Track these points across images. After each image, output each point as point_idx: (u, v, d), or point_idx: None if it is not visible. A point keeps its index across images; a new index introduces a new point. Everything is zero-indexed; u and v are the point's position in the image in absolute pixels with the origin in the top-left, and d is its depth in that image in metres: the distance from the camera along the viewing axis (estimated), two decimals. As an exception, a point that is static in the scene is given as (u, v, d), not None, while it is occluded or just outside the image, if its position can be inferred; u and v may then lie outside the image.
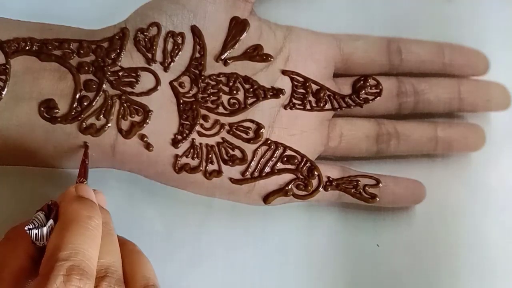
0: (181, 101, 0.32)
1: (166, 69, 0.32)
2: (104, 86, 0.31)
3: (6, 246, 0.26)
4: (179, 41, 0.32)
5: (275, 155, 0.33)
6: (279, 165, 0.33)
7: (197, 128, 0.32)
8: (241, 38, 0.33)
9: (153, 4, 0.32)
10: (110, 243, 0.26)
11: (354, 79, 0.35)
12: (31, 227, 0.24)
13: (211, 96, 0.32)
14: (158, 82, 0.32)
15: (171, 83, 0.32)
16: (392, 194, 0.34)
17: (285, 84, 0.33)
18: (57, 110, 0.30)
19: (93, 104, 0.31)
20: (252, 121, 0.33)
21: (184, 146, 0.32)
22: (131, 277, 0.26)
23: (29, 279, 0.25)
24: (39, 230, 0.24)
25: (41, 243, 0.25)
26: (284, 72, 0.33)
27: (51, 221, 0.25)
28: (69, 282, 0.22)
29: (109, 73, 0.31)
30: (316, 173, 0.33)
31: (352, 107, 0.34)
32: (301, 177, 0.33)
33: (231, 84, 0.33)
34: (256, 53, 0.33)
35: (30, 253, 0.25)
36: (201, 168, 0.32)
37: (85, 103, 0.31)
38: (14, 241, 0.26)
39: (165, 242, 0.32)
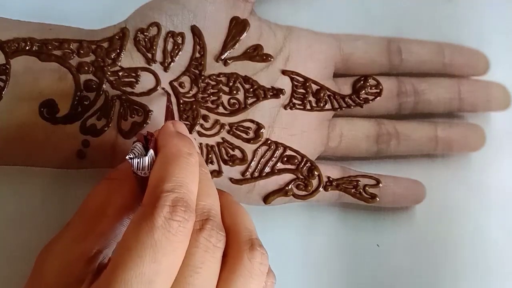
0: (181, 101, 0.32)
1: (166, 69, 0.32)
2: (104, 86, 0.31)
3: (110, 185, 0.26)
4: (179, 41, 0.32)
5: (275, 155, 0.33)
6: (279, 165, 0.33)
7: (197, 128, 0.32)
8: (241, 38, 0.33)
9: (153, 4, 0.32)
10: (209, 186, 0.26)
11: (354, 79, 0.35)
12: (131, 156, 0.24)
13: (211, 96, 0.32)
14: (158, 82, 0.32)
15: (171, 83, 0.32)
16: (392, 194, 0.34)
17: (285, 84, 0.33)
18: (57, 110, 0.30)
19: (93, 104, 0.31)
20: (252, 121, 0.33)
21: (184, 146, 0.32)
22: (232, 227, 0.25)
23: (131, 213, 0.26)
24: (141, 159, 0.24)
25: (142, 172, 0.24)
26: (284, 72, 0.33)
27: (151, 151, 0.24)
28: (175, 213, 0.22)
29: (109, 73, 0.31)
30: (316, 173, 0.33)
31: (352, 107, 0.34)
32: (301, 177, 0.33)
33: (231, 84, 0.33)
34: (256, 53, 0.33)
35: (132, 190, 0.26)
36: (201, 168, 0.32)
37: (85, 103, 0.31)
38: (117, 180, 0.26)
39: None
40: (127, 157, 0.24)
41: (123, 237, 0.22)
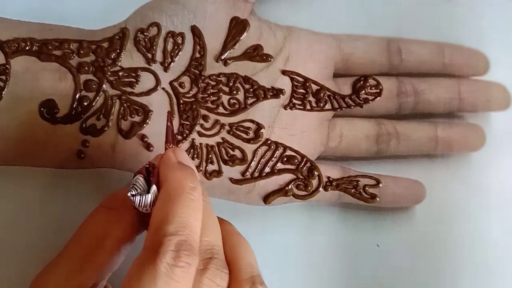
0: (181, 101, 0.32)
1: (166, 69, 0.32)
2: (104, 86, 0.31)
3: (109, 215, 0.26)
4: (179, 41, 0.32)
5: (275, 155, 0.33)
6: (279, 165, 0.33)
7: (197, 128, 0.32)
8: (241, 38, 0.33)
9: (153, 4, 0.32)
10: (211, 219, 0.25)
11: (354, 79, 0.35)
12: (134, 193, 0.24)
13: (211, 96, 0.32)
14: (158, 82, 0.32)
15: (171, 83, 0.32)
16: (392, 194, 0.34)
17: (285, 84, 0.33)
18: (57, 110, 0.30)
19: (93, 104, 0.31)
20: (252, 121, 0.33)
21: (184, 146, 0.32)
22: (233, 262, 0.25)
23: (129, 245, 0.25)
24: (143, 196, 0.24)
25: (144, 209, 0.24)
26: (284, 72, 0.33)
27: (154, 188, 0.24)
28: (178, 258, 0.22)
29: (109, 73, 0.31)
30: (316, 173, 0.33)
31: (352, 107, 0.34)
32: (301, 177, 0.33)
33: (231, 84, 0.33)
34: (256, 53, 0.33)
35: (132, 222, 0.25)
36: (201, 168, 0.32)
37: (85, 103, 0.31)
38: (116, 211, 0.26)
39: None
40: (129, 194, 0.24)
41: (126, 281, 0.22)
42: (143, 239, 0.23)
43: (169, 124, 0.29)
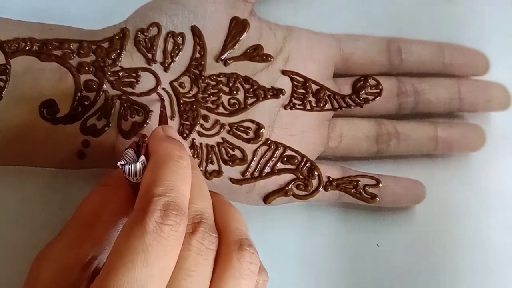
0: (181, 101, 0.32)
1: (166, 69, 0.32)
2: (104, 86, 0.31)
3: (104, 191, 0.26)
4: (179, 41, 0.32)
5: (275, 155, 0.33)
6: (279, 165, 0.33)
7: (197, 128, 0.32)
8: (241, 38, 0.33)
9: (153, 4, 0.32)
10: (201, 188, 0.26)
11: (354, 79, 0.35)
12: (123, 163, 0.24)
13: (211, 96, 0.32)
14: (158, 82, 0.32)
15: (171, 83, 0.32)
16: (392, 194, 0.34)
17: (285, 84, 0.33)
18: (57, 111, 0.30)
19: (94, 104, 0.31)
20: (252, 121, 0.33)
21: (184, 146, 0.32)
22: (223, 228, 0.25)
23: (124, 218, 0.26)
24: (132, 165, 0.24)
25: (134, 178, 0.24)
26: (284, 72, 0.33)
27: (143, 157, 0.25)
28: (166, 217, 0.22)
29: (109, 73, 0.31)
30: (316, 173, 0.33)
31: (352, 107, 0.34)
32: (301, 177, 0.33)
33: (231, 84, 0.33)
34: (256, 53, 0.33)
35: (126, 195, 0.26)
36: (201, 168, 0.32)
37: (86, 103, 0.31)
38: (111, 186, 0.26)
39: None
40: (118, 163, 0.24)
41: (115, 243, 0.22)
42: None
43: (161, 109, 0.29)
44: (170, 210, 0.22)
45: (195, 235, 0.23)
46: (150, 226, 0.22)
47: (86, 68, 0.31)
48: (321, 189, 0.33)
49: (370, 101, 0.34)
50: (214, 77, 0.33)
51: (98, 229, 0.25)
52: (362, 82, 0.34)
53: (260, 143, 0.32)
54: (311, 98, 0.34)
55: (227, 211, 0.27)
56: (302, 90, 0.33)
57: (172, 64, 0.32)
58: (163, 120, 0.29)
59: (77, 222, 0.26)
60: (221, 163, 0.32)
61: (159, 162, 0.24)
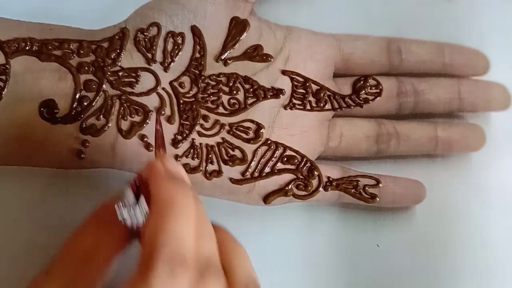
0: (181, 101, 0.32)
1: (166, 69, 0.32)
2: (104, 86, 0.31)
3: (99, 227, 0.25)
4: (179, 41, 0.32)
5: (275, 155, 0.33)
6: (279, 165, 0.33)
7: (197, 128, 0.32)
8: (241, 38, 0.33)
9: (153, 4, 0.32)
10: (205, 227, 0.25)
11: (354, 79, 0.35)
12: (125, 217, 0.24)
13: (211, 96, 0.32)
14: (158, 82, 0.32)
15: (171, 83, 0.32)
16: (392, 194, 0.34)
17: (285, 84, 0.33)
18: (57, 111, 0.30)
19: (93, 104, 0.31)
20: (252, 121, 0.33)
21: (184, 146, 0.32)
22: (229, 270, 0.25)
23: (119, 256, 0.25)
24: (135, 219, 0.24)
25: (133, 224, 0.24)
26: (284, 72, 0.33)
27: (145, 206, 0.24)
28: (171, 272, 0.22)
29: (109, 73, 0.31)
30: (316, 173, 0.33)
31: (352, 107, 0.34)
32: (301, 177, 0.33)
33: (231, 84, 0.33)
34: (256, 53, 0.33)
35: (122, 232, 0.25)
36: (201, 168, 0.32)
37: (85, 103, 0.31)
38: (107, 223, 0.25)
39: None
40: (119, 217, 0.24)
41: None
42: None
43: (157, 127, 0.28)
44: (176, 264, 0.22)
45: (203, 279, 0.23)
46: (155, 284, 0.21)
47: (86, 68, 0.31)
48: (321, 189, 0.33)
49: (370, 101, 0.34)
50: (214, 77, 0.33)
51: (93, 270, 0.25)
52: (362, 82, 0.34)
53: (260, 143, 0.32)
54: (311, 98, 0.34)
55: (231, 251, 0.26)
56: (302, 90, 0.33)
57: (172, 64, 0.32)
58: (159, 140, 0.28)
59: (69, 262, 0.25)
60: (221, 163, 0.32)
61: (162, 209, 0.23)
